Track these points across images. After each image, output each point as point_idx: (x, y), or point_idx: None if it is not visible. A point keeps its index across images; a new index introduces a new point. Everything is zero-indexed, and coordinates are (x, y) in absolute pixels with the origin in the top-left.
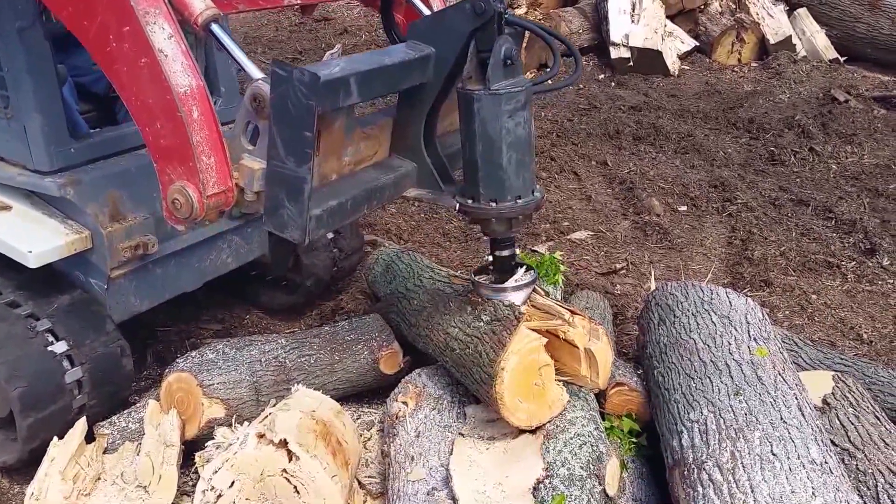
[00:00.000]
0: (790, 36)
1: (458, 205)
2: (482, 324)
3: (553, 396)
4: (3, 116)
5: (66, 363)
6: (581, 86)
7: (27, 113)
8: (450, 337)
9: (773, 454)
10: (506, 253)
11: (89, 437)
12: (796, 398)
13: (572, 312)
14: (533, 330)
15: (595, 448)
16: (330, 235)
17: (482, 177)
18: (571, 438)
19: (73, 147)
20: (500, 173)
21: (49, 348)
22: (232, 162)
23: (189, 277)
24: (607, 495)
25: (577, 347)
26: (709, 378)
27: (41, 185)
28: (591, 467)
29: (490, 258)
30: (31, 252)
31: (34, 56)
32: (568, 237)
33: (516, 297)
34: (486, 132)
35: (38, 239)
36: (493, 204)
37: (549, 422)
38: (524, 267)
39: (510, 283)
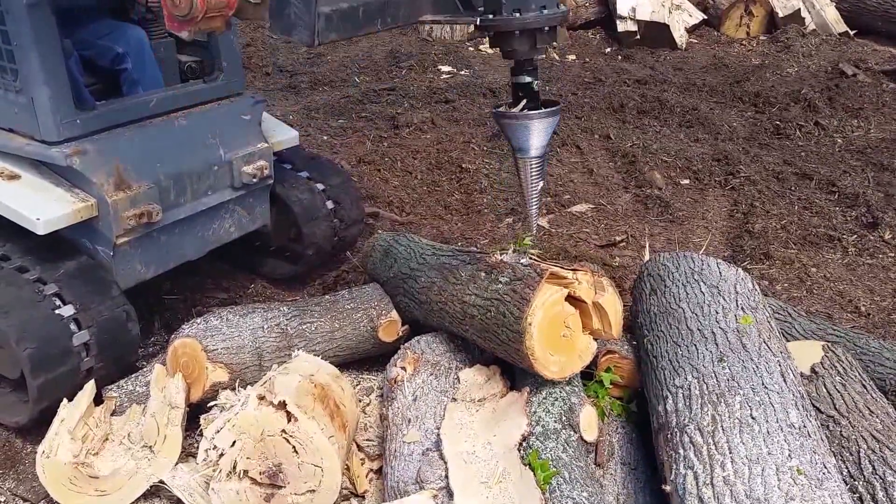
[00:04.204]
0: (799, 9)
1: (478, 20)
2: (501, 285)
3: (582, 346)
4: (12, 89)
5: (73, 326)
6: (586, 59)
7: (35, 85)
8: (467, 305)
9: (753, 417)
10: (528, 78)
11: (98, 400)
12: (779, 365)
13: (574, 270)
14: None
15: (567, 401)
16: (330, 206)
17: None
18: (544, 398)
19: (79, 118)
20: None
21: (56, 311)
22: None
23: (192, 246)
24: (586, 441)
25: (585, 302)
26: (695, 345)
27: (48, 154)
28: (564, 419)
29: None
30: (39, 219)
31: (42, 31)
32: (568, 210)
33: (539, 127)
34: None
35: (45, 207)
36: (518, 14)
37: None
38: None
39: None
